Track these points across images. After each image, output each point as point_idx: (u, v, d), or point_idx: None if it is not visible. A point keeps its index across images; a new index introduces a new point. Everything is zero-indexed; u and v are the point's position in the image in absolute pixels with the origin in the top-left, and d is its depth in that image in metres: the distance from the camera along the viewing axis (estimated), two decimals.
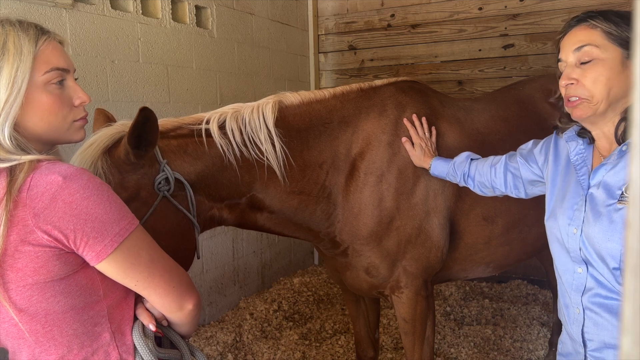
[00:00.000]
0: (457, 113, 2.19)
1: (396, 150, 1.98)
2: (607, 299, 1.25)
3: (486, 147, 2.14)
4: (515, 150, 1.72)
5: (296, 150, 1.80)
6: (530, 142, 1.63)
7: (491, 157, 1.79)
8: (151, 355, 1.14)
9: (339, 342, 3.27)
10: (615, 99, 1.22)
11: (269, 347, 3.19)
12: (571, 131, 1.39)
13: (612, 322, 1.25)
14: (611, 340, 1.26)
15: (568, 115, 1.35)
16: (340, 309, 3.81)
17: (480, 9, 4.11)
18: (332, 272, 2.27)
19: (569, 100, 1.28)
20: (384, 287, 2.05)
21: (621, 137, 1.24)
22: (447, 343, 3.20)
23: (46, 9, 2.51)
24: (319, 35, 4.83)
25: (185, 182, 1.50)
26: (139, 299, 1.21)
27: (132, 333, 1.17)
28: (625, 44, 1.21)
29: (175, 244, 1.44)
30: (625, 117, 1.23)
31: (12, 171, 1.03)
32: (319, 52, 4.85)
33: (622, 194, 1.21)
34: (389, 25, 4.51)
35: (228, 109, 1.75)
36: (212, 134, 1.63)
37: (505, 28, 4.04)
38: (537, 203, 1.71)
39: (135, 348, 1.16)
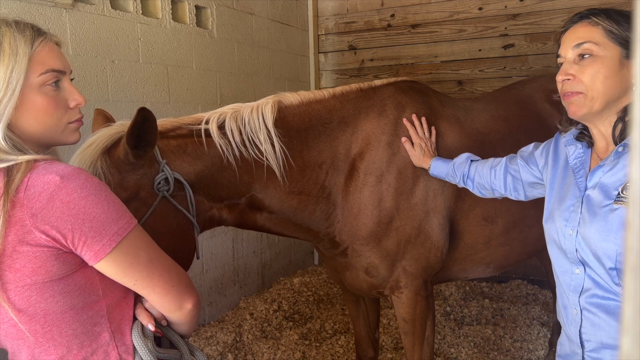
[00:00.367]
0: (456, 113, 2.19)
1: (396, 151, 1.98)
2: (605, 299, 1.25)
3: (486, 146, 2.14)
4: (515, 150, 1.72)
5: (295, 151, 1.80)
6: (532, 145, 1.63)
7: (491, 159, 1.79)
8: (150, 355, 1.14)
9: (339, 342, 3.27)
10: (612, 98, 1.22)
11: (269, 347, 3.19)
12: (570, 135, 1.39)
13: (610, 323, 1.25)
14: (608, 341, 1.26)
15: (569, 119, 1.35)
16: (340, 309, 3.81)
17: (480, 9, 4.11)
18: (332, 272, 2.27)
19: (565, 95, 1.28)
20: (383, 287, 2.05)
21: (618, 138, 1.24)
22: (447, 343, 3.19)
23: (46, 9, 2.51)
24: (319, 35, 4.83)
25: (185, 182, 1.50)
26: (138, 299, 1.21)
27: (131, 333, 1.17)
28: (624, 43, 1.21)
29: (174, 244, 1.44)
30: (622, 117, 1.23)
31: (9, 171, 1.03)
32: (319, 52, 4.85)
33: (619, 194, 1.21)
34: (389, 25, 4.51)
35: (227, 109, 1.75)
36: (212, 134, 1.63)
37: (505, 28, 4.04)
38: (537, 203, 1.71)
39: (134, 348, 1.16)
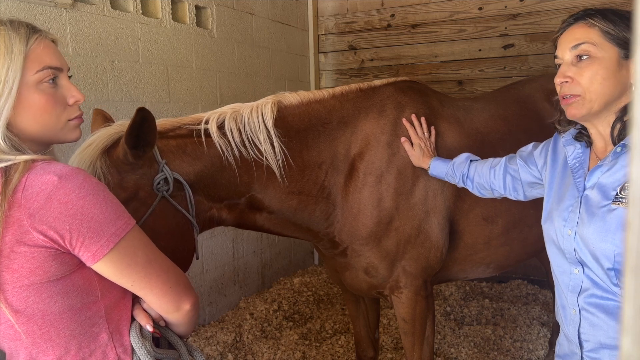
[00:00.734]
0: (456, 113, 2.18)
1: (395, 151, 1.97)
2: (603, 299, 1.25)
3: (486, 146, 2.14)
4: (515, 150, 1.71)
5: (295, 151, 1.80)
6: (531, 145, 1.63)
7: (490, 159, 1.79)
8: (148, 356, 1.14)
9: (339, 342, 3.27)
10: (611, 98, 1.22)
11: (269, 347, 3.19)
12: (568, 135, 1.39)
13: (608, 323, 1.25)
14: (607, 341, 1.26)
15: (567, 119, 1.35)
16: (340, 309, 3.81)
17: (480, 9, 4.11)
18: (332, 272, 2.27)
19: (563, 99, 1.28)
20: (383, 287, 2.05)
21: (617, 138, 1.24)
22: (447, 343, 3.19)
23: (46, 9, 2.51)
24: (319, 35, 4.83)
25: (184, 183, 1.50)
26: (136, 299, 1.21)
27: (129, 334, 1.17)
28: (622, 43, 1.21)
29: (174, 245, 1.44)
30: (620, 117, 1.23)
31: (6, 171, 1.03)
32: (319, 52, 4.85)
33: (617, 194, 1.21)
34: (389, 25, 4.50)
35: (227, 109, 1.75)
36: (211, 134, 1.63)
37: (505, 28, 4.04)
38: (537, 203, 1.70)
39: (132, 348, 1.16)
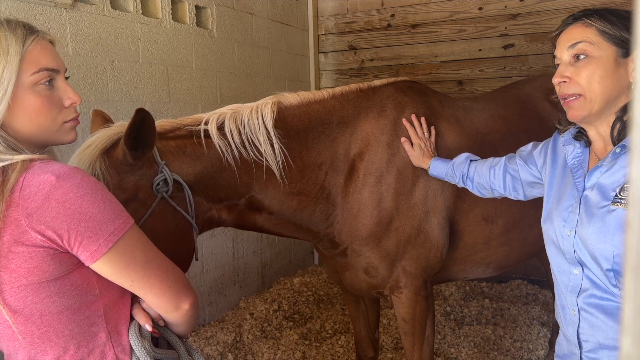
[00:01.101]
0: (456, 113, 2.18)
1: (395, 151, 1.97)
2: (602, 299, 1.25)
3: (486, 146, 2.14)
4: (514, 150, 1.71)
5: (295, 151, 1.79)
6: (530, 144, 1.63)
7: (490, 159, 1.79)
8: (147, 356, 1.14)
9: (339, 342, 3.27)
10: (610, 97, 1.22)
11: (269, 347, 3.19)
12: (568, 134, 1.39)
13: (607, 323, 1.25)
14: (606, 341, 1.26)
15: (567, 119, 1.35)
16: (340, 309, 3.81)
17: (480, 9, 4.11)
18: (332, 273, 2.27)
19: (564, 100, 1.28)
20: (383, 287, 2.05)
21: (617, 138, 1.24)
22: (447, 343, 3.19)
23: (46, 9, 2.51)
24: (319, 35, 4.83)
25: (184, 183, 1.50)
26: (135, 299, 1.21)
27: (128, 333, 1.16)
28: (620, 42, 1.21)
29: (173, 246, 1.44)
30: (620, 117, 1.23)
31: (4, 171, 1.03)
32: (319, 52, 4.85)
33: (617, 195, 1.20)
34: (389, 25, 4.50)
35: (227, 109, 1.75)
36: (211, 135, 1.63)
37: (505, 28, 4.04)
38: (538, 203, 1.70)
39: (131, 348, 1.16)
